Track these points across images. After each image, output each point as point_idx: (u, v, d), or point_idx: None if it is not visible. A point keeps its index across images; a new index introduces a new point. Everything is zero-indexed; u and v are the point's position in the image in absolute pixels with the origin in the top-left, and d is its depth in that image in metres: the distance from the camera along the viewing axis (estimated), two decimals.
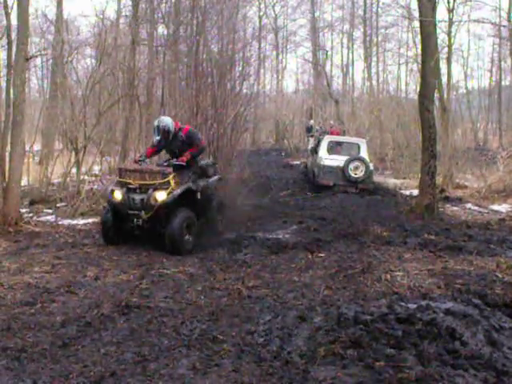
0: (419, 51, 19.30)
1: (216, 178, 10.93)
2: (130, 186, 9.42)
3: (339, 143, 19.08)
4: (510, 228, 12.30)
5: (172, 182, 9.28)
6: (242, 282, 7.65)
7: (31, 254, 8.92)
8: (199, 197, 9.93)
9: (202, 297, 7.03)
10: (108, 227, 9.77)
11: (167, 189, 9.23)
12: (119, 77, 16.92)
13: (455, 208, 15.75)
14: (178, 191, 9.30)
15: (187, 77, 16.75)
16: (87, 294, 6.98)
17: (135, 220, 9.38)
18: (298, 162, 27.85)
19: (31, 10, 14.02)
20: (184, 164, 9.78)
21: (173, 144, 10.07)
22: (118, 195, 9.45)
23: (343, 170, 17.64)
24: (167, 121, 9.97)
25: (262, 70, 39.17)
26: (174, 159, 9.94)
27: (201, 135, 10.83)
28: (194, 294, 7.14)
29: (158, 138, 9.87)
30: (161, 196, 9.19)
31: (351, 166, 17.69)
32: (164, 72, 17.52)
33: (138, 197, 9.31)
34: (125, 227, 9.68)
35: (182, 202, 9.51)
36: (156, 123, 9.93)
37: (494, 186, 18.58)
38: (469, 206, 16.33)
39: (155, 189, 9.25)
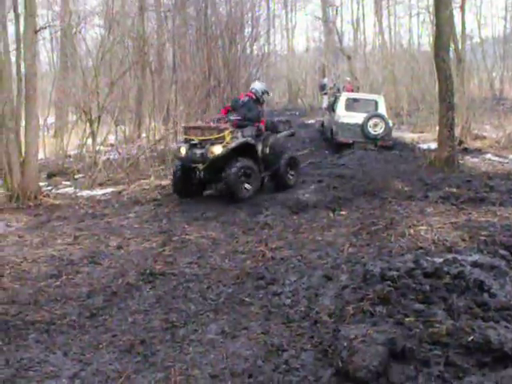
0: (431, 1, 18.89)
1: (284, 133, 11.77)
2: (192, 142, 10.41)
3: (356, 100, 18.75)
4: None
5: (227, 137, 10.12)
6: (265, 243, 7.63)
7: (52, 227, 8.95)
8: (268, 151, 11.05)
9: (226, 261, 7.04)
10: (177, 181, 10.83)
11: (222, 143, 10.10)
12: (129, 44, 16.78)
13: (475, 159, 15.55)
14: (233, 145, 10.22)
15: (197, 41, 16.62)
16: (111, 264, 7.02)
17: (197, 172, 10.43)
18: (313, 121, 27.55)
19: None
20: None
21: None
22: (183, 150, 10.49)
23: (362, 127, 17.37)
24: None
25: (271, 30, 38.49)
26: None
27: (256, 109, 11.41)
28: (218, 258, 7.15)
29: None
30: (217, 150, 10.10)
31: (370, 122, 17.38)
32: (174, 37, 17.36)
33: (198, 151, 10.30)
34: (192, 181, 10.74)
35: (242, 154, 10.45)
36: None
37: None
38: (488, 156, 16.12)
39: (212, 143, 10.18)
